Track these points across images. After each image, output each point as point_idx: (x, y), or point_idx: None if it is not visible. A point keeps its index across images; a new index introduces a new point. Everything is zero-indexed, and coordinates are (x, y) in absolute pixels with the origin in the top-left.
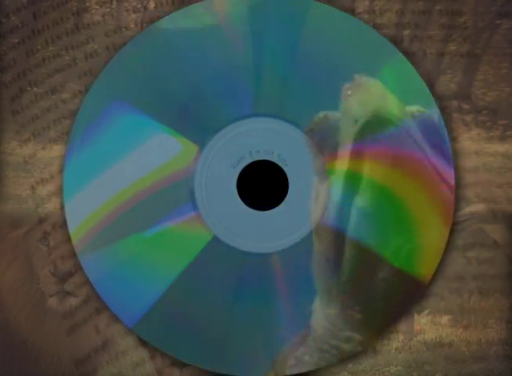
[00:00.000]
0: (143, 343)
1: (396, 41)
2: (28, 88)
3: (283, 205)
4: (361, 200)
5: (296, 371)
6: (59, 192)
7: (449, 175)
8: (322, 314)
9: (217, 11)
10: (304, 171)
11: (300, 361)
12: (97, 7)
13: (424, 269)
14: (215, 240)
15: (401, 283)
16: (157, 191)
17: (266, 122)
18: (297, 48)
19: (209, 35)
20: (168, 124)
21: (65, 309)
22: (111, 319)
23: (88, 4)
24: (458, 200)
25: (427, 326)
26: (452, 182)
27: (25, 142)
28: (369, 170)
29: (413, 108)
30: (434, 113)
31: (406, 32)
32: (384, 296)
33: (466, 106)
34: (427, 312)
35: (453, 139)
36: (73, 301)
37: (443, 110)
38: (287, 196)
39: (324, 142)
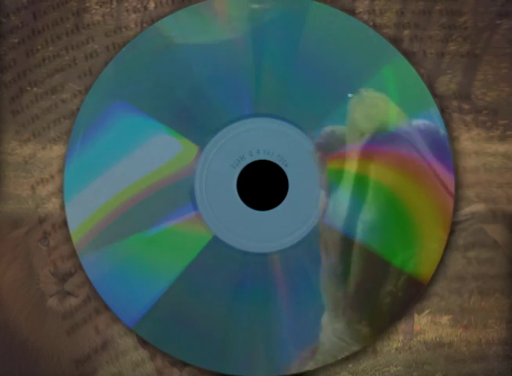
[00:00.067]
0: (143, 343)
1: (396, 41)
2: (28, 88)
3: (283, 205)
4: (368, 208)
5: (296, 371)
6: (59, 192)
7: (449, 179)
8: (330, 328)
9: (217, 11)
10: (304, 172)
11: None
12: (97, 7)
13: (424, 269)
14: (215, 239)
15: (401, 283)
16: (157, 191)
17: (266, 122)
18: (297, 48)
19: (209, 35)
20: (168, 124)
21: (65, 309)
22: (111, 319)
23: (88, 4)
24: (458, 200)
25: (427, 326)
26: (452, 186)
27: (25, 142)
28: (375, 175)
29: (419, 121)
30: (434, 113)
31: (406, 32)
32: (384, 296)
33: (466, 106)
34: (427, 312)
35: (453, 139)
36: (73, 302)
37: (443, 110)
38: (287, 196)
39: (329, 155)
